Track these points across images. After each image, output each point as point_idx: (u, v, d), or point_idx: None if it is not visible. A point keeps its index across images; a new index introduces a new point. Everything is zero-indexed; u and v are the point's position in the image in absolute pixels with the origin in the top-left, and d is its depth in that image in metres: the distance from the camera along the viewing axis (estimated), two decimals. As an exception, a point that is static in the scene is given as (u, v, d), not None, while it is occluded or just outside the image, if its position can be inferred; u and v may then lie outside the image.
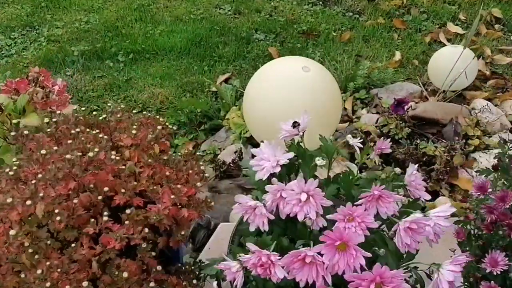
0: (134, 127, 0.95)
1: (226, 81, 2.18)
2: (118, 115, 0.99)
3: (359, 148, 0.93)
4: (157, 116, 1.08)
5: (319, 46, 2.39)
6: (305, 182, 0.77)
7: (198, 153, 1.81)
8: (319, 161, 0.89)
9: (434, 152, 1.61)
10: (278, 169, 0.86)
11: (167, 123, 1.02)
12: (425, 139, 1.72)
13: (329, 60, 2.21)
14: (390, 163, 1.62)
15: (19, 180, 0.83)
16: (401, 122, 1.69)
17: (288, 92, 1.44)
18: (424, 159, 1.60)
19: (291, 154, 0.89)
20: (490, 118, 1.72)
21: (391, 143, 1.68)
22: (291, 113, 1.25)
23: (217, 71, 2.27)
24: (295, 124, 0.95)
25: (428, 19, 2.56)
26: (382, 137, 1.67)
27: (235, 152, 1.63)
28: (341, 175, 0.91)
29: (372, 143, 1.61)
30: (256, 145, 1.65)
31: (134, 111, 2.08)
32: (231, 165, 1.57)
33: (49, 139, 0.91)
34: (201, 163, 0.98)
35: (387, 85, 2.00)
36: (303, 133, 0.94)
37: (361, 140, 0.94)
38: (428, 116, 1.76)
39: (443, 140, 1.70)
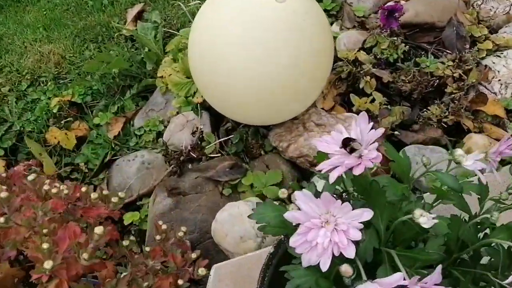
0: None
1: (139, 16, 1.58)
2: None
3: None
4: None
5: None
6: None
7: (133, 131, 1.31)
8: (421, 217, 0.47)
9: (444, 71, 1.24)
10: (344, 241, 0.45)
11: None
12: (423, 53, 1.34)
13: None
14: (390, 96, 1.24)
15: None
16: (395, 38, 1.28)
17: (258, 32, 0.95)
18: (432, 82, 1.23)
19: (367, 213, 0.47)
20: (499, 8, 1.35)
21: (388, 69, 1.27)
22: (264, 65, 0.79)
23: (122, 3, 1.65)
24: (349, 143, 0.52)
25: None
26: (377, 65, 1.26)
27: (193, 133, 1.15)
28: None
29: (368, 77, 1.20)
30: (216, 114, 1.17)
31: (22, 87, 1.48)
32: (191, 152, 1.10)
33: None
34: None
35: (353, -16, 1.53)
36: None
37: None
38: (421, 21, 1.36)
39: (446, 50, 1.33)
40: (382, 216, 0.53)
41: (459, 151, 0.51)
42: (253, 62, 0.96)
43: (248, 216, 0.58)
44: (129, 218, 1.13)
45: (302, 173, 1.10)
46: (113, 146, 1.29)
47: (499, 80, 1.26)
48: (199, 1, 1.47)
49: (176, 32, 1.46)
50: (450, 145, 1.16)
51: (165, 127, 1.27)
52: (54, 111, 1.36)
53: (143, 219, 1.14)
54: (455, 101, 1.20)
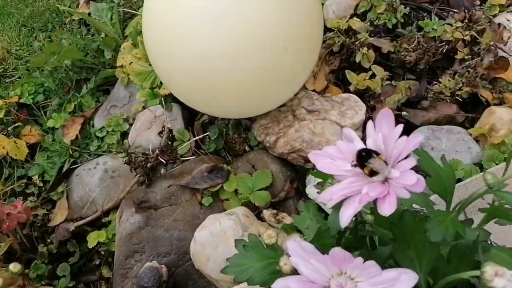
0: None
1: (93, -3, 1.36)
2: None
3: None
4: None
5: None
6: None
7: (94, 132, 1.11)
8: (497, 278, 0.29)
9: (453, 34, 1.05)
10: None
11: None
12: (426, 14, 1.14)
13: None
14: (392, 69, 1.05)
15: None
16: (393, -1, 1.08)
17: (227, 2, 0.75)
18: (441, 48, 1.04)
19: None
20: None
21: (387, 37, 1.08)
22: (236, 46, 0.73)
23: (74, -17, 1.42)
24: (366, 159, 0.33)
25: None
26: (375, 33, 1.07)
27: (160, 133, 0.95)
28: None
29: (364, 49, 1.01)
30: (187, 106, 0.97)
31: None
32: (160, 156, 0.91)
33: None
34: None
35: None
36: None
37: None
38: (420, -23, 1.16)
39: (452, 9, 1.13)
40: (421, 264, 0.35)
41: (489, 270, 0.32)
42: (222, 40, 0.76)
43: (222, 271, 0.40)
44: (93, 239, 0.95)
45: (296, 171, 0.91)
46: (71, 152, 1.09)
47: (517, 39, 1.07)
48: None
49: (136, 12, 1.25)
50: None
51: (131, 125, 1.08)
52: (0, 116, 1.15)
53: (111, 239, 0.96)
54: (469, 69, 1.02)
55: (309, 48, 0.86)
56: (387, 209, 0.30)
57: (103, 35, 1.21)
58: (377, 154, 0.32)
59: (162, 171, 0.99)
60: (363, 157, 0.33)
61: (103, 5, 1.26)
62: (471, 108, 1.01)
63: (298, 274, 0.32)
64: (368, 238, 0.40)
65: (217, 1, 0.74)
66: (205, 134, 0.98)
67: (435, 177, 0.36)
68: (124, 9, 1.27)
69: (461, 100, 0.99)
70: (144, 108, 1.08)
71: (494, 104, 1.00)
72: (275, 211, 0.84)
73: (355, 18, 1.06)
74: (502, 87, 1.02)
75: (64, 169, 1.07)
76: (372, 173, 0.32)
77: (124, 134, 1.08)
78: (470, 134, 0.94)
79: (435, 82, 1.02)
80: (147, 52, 0.88)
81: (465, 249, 0.35)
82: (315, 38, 0.87)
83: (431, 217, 0.34)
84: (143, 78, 1.07)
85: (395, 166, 0.32)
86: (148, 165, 0.91)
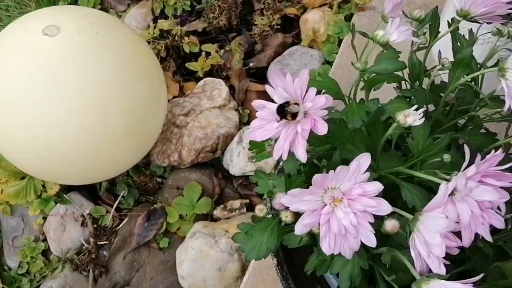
0: None
1: None
2: None
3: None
4: None
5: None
6: None
7: (16, 274, 1.04)
8: (409, 118, 0.40)
9: (237, -17, 1.17)
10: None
11: None
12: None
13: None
14: (215, 39, 1.15)
15: None
16: (175, -14, 1.16)
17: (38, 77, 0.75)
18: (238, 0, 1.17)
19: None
20: None
21: (193, 18, 1.17)
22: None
23: None
24: (283, 109, 0.42)
25: None
26: (183, 22, 1.15)
27: (82, 224, 0.93)
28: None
29: (186, 38, 1.09)
30: (81, 188, 0.96)
31: None
32: (97, 241, 0.90)
33: None
34: None
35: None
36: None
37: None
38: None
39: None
40: (360, 149, 0.46)
41: (379, 33, 0.44)
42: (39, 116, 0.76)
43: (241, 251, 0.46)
44: None
45: (212, 165, 0.98)
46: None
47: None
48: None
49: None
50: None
51: (45, 239, 1.03)
52: None
53: None
54: (268, 1, 1.17)
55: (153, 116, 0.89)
56: (322, 129, 0.40)
57: None
58: (288, 102, 0.41)
59: (105, 253, 0.98)
60: (282, 110, 0.41)
61: None
62: (290, 27, 1.17)
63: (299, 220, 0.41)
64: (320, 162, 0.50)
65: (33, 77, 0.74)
66: (118, 196, 0.99)
67: (327, 90, 0.47)
68: None
69: (279, 26, 1.14)
70: (44, 218, 1.03)
71: (302, 14, 1.16)
72: (221, 205, 0.91)
73: (159, 21, 1.13)
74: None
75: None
76: (294, 115, 0.41)
77: (45, 252, 1.03)
78: (304, 46, 1.10)
79: (253, 26, 1.14)
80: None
81: (377, 118, 0.47)
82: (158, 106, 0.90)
83: (346, 113, 0.45)
84: (23, 194, 1.02)
85: (305, 101, 0.41)
86: (93, 255, 0.90)
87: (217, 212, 0.90)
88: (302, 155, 0.41)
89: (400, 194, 0.47)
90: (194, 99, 0.98)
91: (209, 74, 1.07)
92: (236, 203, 0.90)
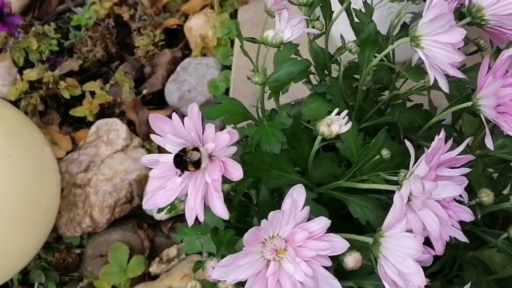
0: None
1: None
2: None
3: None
4: None
5: None
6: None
7: None
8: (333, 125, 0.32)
9: (103, 5, 1.05)
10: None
11: None
12: (64, 15, 1.10)
13: None
14: (94, 74, 1.02)
15: None
16: (21, 35, 1.00)
17: None
18: (109, 24, 1.04)
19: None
20: None
21: (64, 58, 1.04)
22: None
23: None
24: (181, 160, 0.33)
25: None
26: (53, 66, 1.01)
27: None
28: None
29: (61, 83, 0.94)
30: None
31: None
32: None
33: None
34: None
35: None
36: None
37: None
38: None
39: (81, -8, 1.12)
40: (288, 168, 0.38)
41: (269, 34, 0.36)
42: None
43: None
44: None
45: (134, 215, 0.86)
46: None
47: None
48: None
49: None
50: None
51: None
52: None
53: None
54: (144, 19, 1.06)
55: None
56: (236, 173, 0.31)
57: None
58: (184, 150, 0.32)
59: None
60: (180, 161, 0.32)
61: None
62: (176, 39, 1.07)
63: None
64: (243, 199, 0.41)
65: None
66: (34, 285, 0.84)
67: (229, 115, 0.38)
68: None
69: (164, 42, 1.04)
70: None
71: (184, 22, 1.07)
72: (157, 258, 0.80)
73: (25, 71, 0.97)
74: (170, 9, 1.10)
75: None
76: (197, 163, 0.32)
77: None
78: (196, 56, 1.01)
79: (136, 49, 1.03)
80: None
81: (297, 126, 0.39)
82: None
83: (258, 138, 0.37)
84: None
85: (204, 142, 0.32)
86: None
87: (154, 268, 0.78)
88: (221, 211, 0.32)
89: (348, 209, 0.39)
90: (90, 149, 0.85)
91: (100, 115, 0.94)
92: (172, 250, 0.79)
